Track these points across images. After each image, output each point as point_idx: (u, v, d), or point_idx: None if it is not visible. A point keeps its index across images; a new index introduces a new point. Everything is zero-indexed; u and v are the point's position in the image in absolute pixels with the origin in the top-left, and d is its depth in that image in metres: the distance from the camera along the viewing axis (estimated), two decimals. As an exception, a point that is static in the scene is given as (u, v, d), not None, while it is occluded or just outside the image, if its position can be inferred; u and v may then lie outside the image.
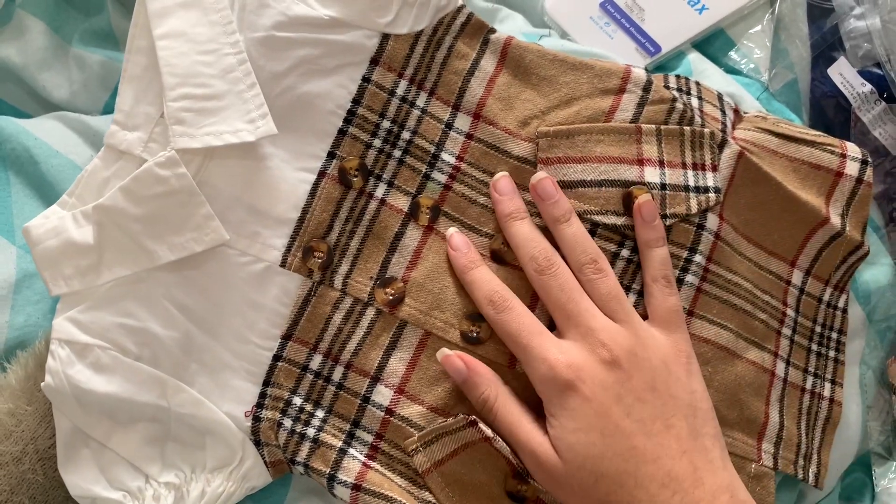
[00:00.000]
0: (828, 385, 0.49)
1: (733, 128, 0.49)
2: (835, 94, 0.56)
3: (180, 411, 0.43)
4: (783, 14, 0.57)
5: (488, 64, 0.47)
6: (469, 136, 0.46)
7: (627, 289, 0.45)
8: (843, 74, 0.56)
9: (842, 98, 0.56)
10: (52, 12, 0.55)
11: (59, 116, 0.50)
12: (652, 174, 0.45)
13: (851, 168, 0.49)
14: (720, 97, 0.50)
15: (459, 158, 0.46)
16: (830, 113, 0.57)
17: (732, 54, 0.57)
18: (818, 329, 0.49)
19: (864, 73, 0.56)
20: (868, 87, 0.55)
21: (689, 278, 0.45)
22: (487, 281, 0.43)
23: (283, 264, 0.44)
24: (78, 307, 0.42)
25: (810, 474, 0.48)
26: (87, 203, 0.43)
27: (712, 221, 0.46)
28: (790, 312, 0.48)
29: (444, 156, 0.46)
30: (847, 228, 0.49)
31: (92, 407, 0.42)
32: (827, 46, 0.57)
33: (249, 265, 0.43)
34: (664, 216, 0.45)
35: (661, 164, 0.45)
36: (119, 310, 0.43)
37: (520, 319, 0.42)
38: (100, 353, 0.42)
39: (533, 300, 0.44)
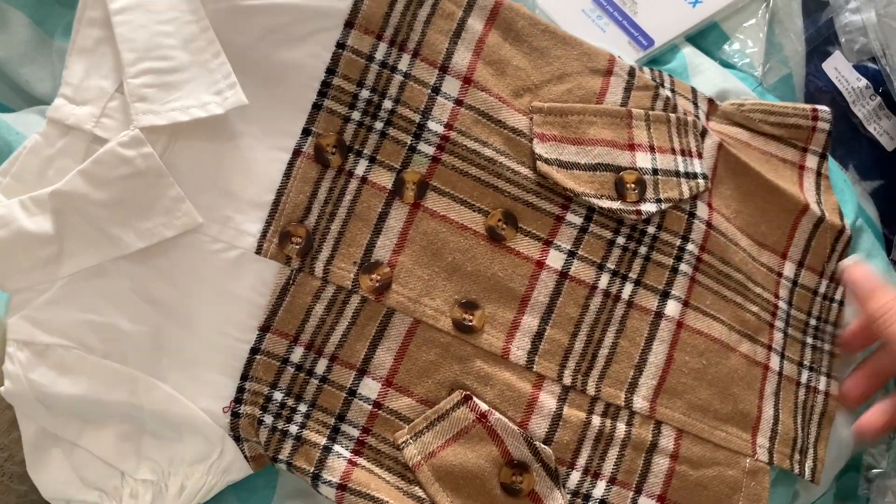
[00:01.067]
0: (823, 379, 0.49)
1: (707, 120, 0.49)
2: (829, 88, 0.56)
3: (154, 408, 0.41)
4: (778, 8, 0.56)
5: (476, 23, 0.44)
6: (458, 103, 0.43)
7: (624, 278, 0.44)
8: (838, 69, 0.56)
9: (836, 93, 0.56)
10: (34, 5, 0.54)
11: (42, 111, 0.50)
12: (644, 159, 0.44)
13: (811, 162, 0.50)
14: (693, 90, 0.49)
15: (448, 127, 0.43)
16: (825, 108, 0.57)
17: (726, 48, 0.56)
18: (813, 322, 0.49)
19: (859, 68, 0.55)
20: (863, 81, 0.55)
21: (683, 267, 0.44)
22: None
23: (258, 251, 0.41)
24: (34, 303, 0.40)
25: (806, 469, 0.47)
26: (27, 183, 0.40)
27: (702, 210, 0.45)
28: (782, 305, 0.48)
29: (431, 125, 0.43)
30: (826, 214, 0.49)
31: (59, 409, 0.41)
32: (822, 41, 0.57)
33: (222, 253, 0.41)
34: (658, 200, 0.44)
35: (652, 149, 0.45)
36: (82, 305, 0.40)
37: None
38: (63, 353, 0.40)
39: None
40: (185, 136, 0.41)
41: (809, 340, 0.49)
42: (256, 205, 0.42)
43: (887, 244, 0.55)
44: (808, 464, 0.47)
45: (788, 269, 0.48)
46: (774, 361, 0.47)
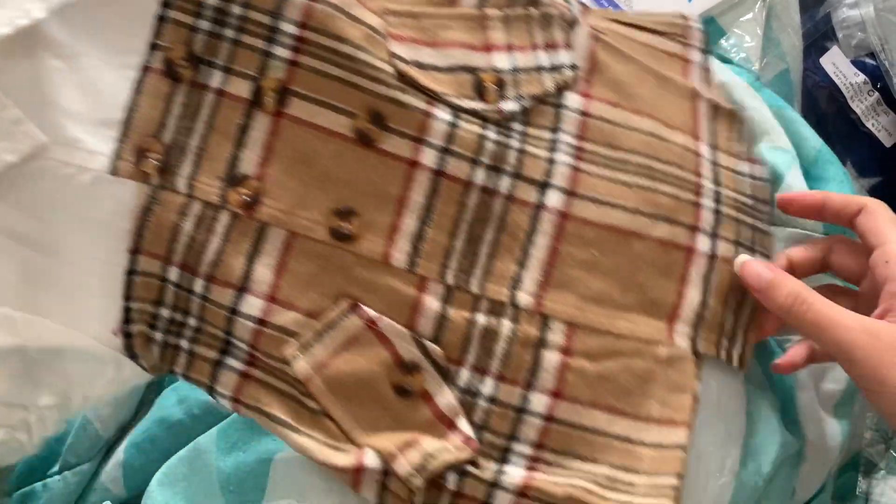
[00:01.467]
0: (761, 258, 0.47)
1: (581, 16, 0.49)
2: (827, 84, 0.56)
3: (39, 344, 0.40)
4: (775, 2, 0.56)
5: None
6: None
7: (500, 171, 0.43)
8: (836, 64, 0.56)
9: (834, 88, 0.56)
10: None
11: None
12: (501, 59, 0.44)
13: (694, 56, 0.50)
14: None
15: (302, 26, 0.41)
16: (823, 103, 0.57)
17: (723, 43, 0.56)
18: (747, 200, 0.48)
19: (857, 63, 0.55)
20: (861, 77, 0.55)
21: (562, 157, 0.44)
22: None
23: (112, 171, 0.39)
24: None
25: (734, 355, 0.45)
26: None
27: (574, 100, 0.45)
28: (707, 183, 0.46)
29: (284, 25, 0.41)
30: (720, 101, 0.49)
31: None
32: (820, 36, 0.56)
33: (75, 177, 0.39)
34: (519, 97, 0.44)
35: (510, 48, 0.44)
36: None
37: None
38: None
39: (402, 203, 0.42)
40: (17, 56, 0.38)
41: (747, 220, 0.47)
42: (105, 123, 0.40)
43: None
44: (736, 350, 0.45)
45: (705, 150, 0.47)
46: (703, 243, 0.45)
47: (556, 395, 0.42)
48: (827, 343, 0.40)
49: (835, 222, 0.46)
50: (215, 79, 0.41)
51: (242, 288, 0.40)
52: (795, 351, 0.45)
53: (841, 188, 0.52)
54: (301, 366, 0.40)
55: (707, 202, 0.45)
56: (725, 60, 0.56)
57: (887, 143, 0.56)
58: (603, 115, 0.45)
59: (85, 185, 0.39)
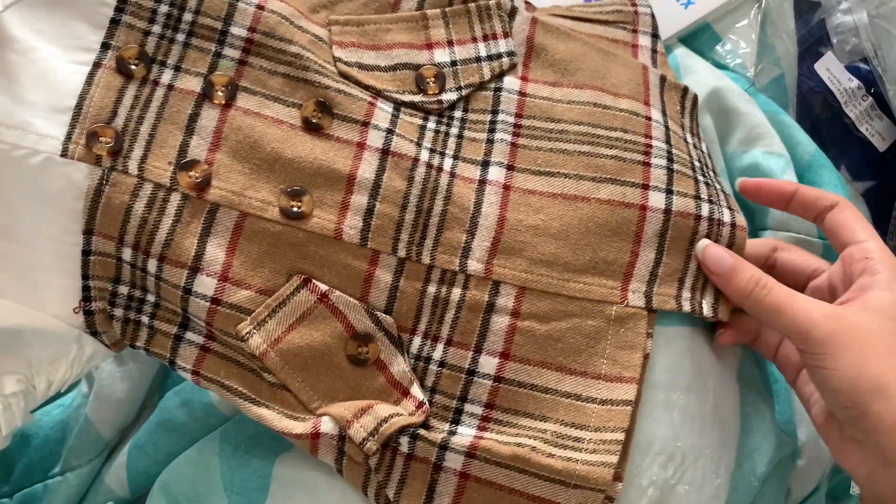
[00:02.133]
0: (727, 211, 0.47)
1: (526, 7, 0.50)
2: (822, 89, 0.56)
3: (1, 326, 0.40)
4: (770, 8, 0.57)
5: None
6: (260, 7, 0.44)
7: (442, 154, 0.45)
8: (831, 70, 0.56)
9: (829, 94, 0.56)
10: None
11: None
12: (442, 55, 0.46)
13: (644, 41, 0.51)
14: None
15: (252, 30, 0.44)
16: (817, 108, 0.57)
17: (718, 49, 0.56)
18: (697, 164, 0.48)
19: (851, 69, 0.56)
20: (855, 82, 0.55)
21: (499, 136, 0.45)
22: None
23: (63, 154, 0.40)
24: None
25: (705, 306, 0.45)
26: None
27: (511, 83, 0.47)
28: (658, 144, 0.47)
29: (234, 30, 0.43)
30: (666, 77, 0.49)
31: None
32: (814, 41, 0.57)
33: (26, 159, 0.40)
34: (459, 88, 0.46)
35: (450, 43, 0.47)
36: None
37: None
38: None
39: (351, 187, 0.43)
40: None
41: (701, 178, 0.47)
42: (58, 110, 0.40)
43: (879, 244, 0.55)
44: (708, 300, 0.46)
45: (656, 115, 0.48)
46: (656, 199, 0.45)
47: (505, 356, 0.43)
48: (784, 324, 0.41)
49: (801, 215, 0.46)
50: (166, 76, 0.42)
51: (195, 268, 0.41)
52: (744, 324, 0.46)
53: (835, 192, 0.52)
54: (255, 341, 0.41)
55: (658, 161, 0.46)
56: (721, 66, 0.56)
57: (881, 147, 0.56)
58: (541, 93, 0.47)
59: (35, 167, 0.40)
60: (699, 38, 0.57)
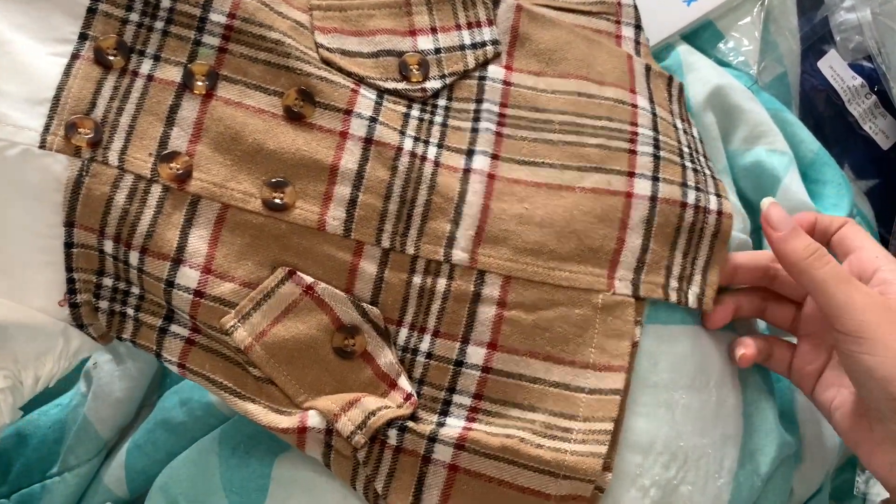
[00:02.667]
0: (713, 198, 0.47)
1: None
2: (825, 87, 0.56)
3: None
4: (773, 6, 0.56)
5: None
6: None
7: (426, 143, 0.44)
8: (834, 67, 0.56)
9: (832, 92, 0.56)
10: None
11: None
12: (425, 42, 0.46)
13: (627, 31, 0.51)
14: None
15: (231, 16, 0.43)
16: (820, 106, 0.57)
17: (721, 46, 0.56)
18: (686, 150, 0.48)
19: (854, 67, 0.56)
20: (859, 80, 0.55)
21: (483, 125, 0.45)
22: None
23: (42, 145, 0.40)
24: None
25: (690, 296, 0.45)
26: None
27: (496, 72, 0.47)
28: (644, 131, 0.47)
29: (213, 16, 0.43)
30: (651, 66, 0.49)
31: None
32: (817, 39, 0.57)
33: (3, 151, 0.39)
34: (443, 76, 0.46)
35: (434, 30, 0.46)
36: None
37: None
38: None
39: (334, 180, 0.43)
40: None
41: (689, 164, 0.47)
42: (35, 102, 0.40)
43: (883, 243, 0.55)
44: (694, 290, 0.46)
45: (642, 102, 0.48)
46: (642, 186, 0.45)
47: (492, 346, 0.43)
48: (834, 298, 0.40)
49: (820, 240, 0.45)
50: (145, 66, 0.42)
51: (177, 259, 0.41)
52: (759, 345, 0.46)
53: (838, 190, 0.52)
54: (240, 335, 0.40)
55: (644, 148, 0.46)
56: (723, 64, 0.56)
57: (885, 145, 0.56)
58: (526, 83, 0.47)
59: (12, 159, 0.39)
60: (702, 35, 0.57)
